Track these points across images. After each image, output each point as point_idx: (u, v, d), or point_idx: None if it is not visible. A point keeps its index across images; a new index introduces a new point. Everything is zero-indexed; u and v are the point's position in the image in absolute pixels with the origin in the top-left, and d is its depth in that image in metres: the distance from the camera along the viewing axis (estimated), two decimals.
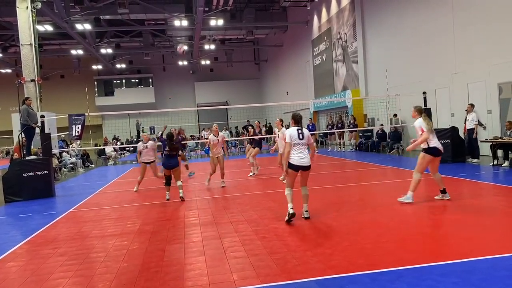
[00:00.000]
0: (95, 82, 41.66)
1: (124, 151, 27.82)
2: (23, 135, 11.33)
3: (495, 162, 11.26)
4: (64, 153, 19.18)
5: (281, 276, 4.17)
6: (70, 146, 21.41)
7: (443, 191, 7.22)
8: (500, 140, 11.22)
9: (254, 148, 12.87)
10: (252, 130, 13.83)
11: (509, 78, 12.00)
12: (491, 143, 11.55)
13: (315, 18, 26.89)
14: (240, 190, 10.19)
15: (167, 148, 9.13)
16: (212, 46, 34.08)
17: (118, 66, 38.67)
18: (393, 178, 10.63)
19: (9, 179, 10.65)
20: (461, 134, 12.68)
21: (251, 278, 4.18)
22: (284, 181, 6.52)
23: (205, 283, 4.15)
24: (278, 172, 11.67)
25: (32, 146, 11.94)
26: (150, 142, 11.00)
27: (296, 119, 6.37)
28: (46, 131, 11.70)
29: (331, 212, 6.89)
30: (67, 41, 31.59)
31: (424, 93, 13.28)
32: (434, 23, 15.15)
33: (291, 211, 6.08)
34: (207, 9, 24.00)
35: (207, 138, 13.55)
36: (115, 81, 42.62)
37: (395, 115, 17.37)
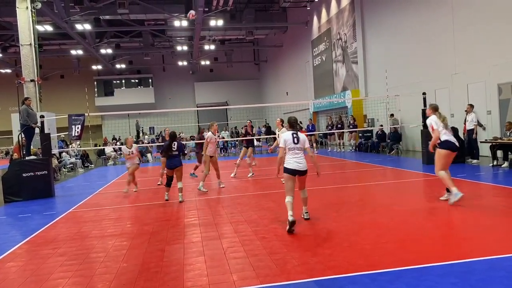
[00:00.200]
0: (95, 82, 41.67)
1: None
2: (23, 135, 11.32)
3: (495, 162, 11.26)
4: (64, 153, 19.19)
5: (280, 277, 4.18)
6: (70, 146, 21.41)
7: (449, 191, 7.13)
8: (499, 140, 11.23)
9: (247, 148, 12.92)
10: (245, 128, 13.83)
11: (509, 78, 12.01)
12: (490, 143, 11.56)
13: (315, 18, 26.90)
14: (240, 190, 10.19)
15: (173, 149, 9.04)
16: (212, 47, 34.09)
17: (118, 66, 38.69)
18: (392, 179, 10.64)
19: (8, 179, 10.64)
20: (461, 134, 12.68)
21: (251, 279, 4.18)
22: (284, 181, 6.45)
23: (205, 283, 4.15)
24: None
25: (31, 146, 11.93)
26: (134, 146, 10.83)
27: (291, 123, 6.26)
28: (46, 131, 11.70)
29: (331, 212, 6.89)
30: (67, 41, 31.61)
31: (424, 93, 13.29)
32: (434, 24, 15.16)
33: (291, 219, 5.75)
34: (207, 9, 24.01)
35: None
36: (115, 81, 42.62)
37: (392, 115, 17.40)
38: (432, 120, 7.06)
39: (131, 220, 7.41)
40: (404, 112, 16.45)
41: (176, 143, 9.00)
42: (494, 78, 12.53)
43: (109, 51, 32.42)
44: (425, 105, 13.26)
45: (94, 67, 38.31)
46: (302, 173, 6.06)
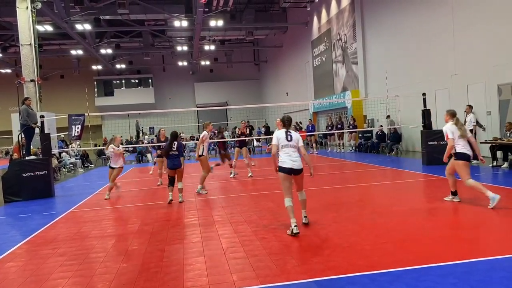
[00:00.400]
0: (95, 82, 41.66)
1: (124, 152, 27.79)
2: (23, 135, 11.32)
3: (495, 163, 11.27)
4: (64, 153, 19.19)
5: (280, 277, 4.18)
6: (70, 146, 21.41)
7: (454, 193, 7.12)
8: (499, 141, 11.23)
9: (240, 148, 12.91)
10: (239, 129, 13.81)
11: (509, 79, 12.01)
12: (490, 144, 11.56)
13: (315, 19, 26.91)
14: (239, 190, 10.20)
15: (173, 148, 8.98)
16: (212, 47, 34.09)
17: (118, 66, 38.69)
18: (392, 179, 10.63)
19: (8, 179, 10.64)
20: None
21: (251, 279, 4.19)
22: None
23: (205, 283, 4.16)
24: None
25: (31, 146, 11.93)
26: (121, 147, 10.40)
27: (284, 122, 6.11)
28: (46, 131, 11.71)
29: (331, 213, 6.89)
30: (67, 41, 31.61)
31: (424, 94, 13.31)
32: (434, 25, 15.16)
33: (295, 230, 5.56)
34: (207, 9, 24.01)
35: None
36: (114, 82, 42.62)
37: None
38: (448, 129, 6.87)
39: (131, 220, 7.41)
40: (404, 113, 16.45)
41: (176, 143, 8.96)
42: (494, 78, 12.53)
43: (109, 51, 32.41)
44: (425, 105, 13.29)
45: (94, 67, 38.31)
46: (297, 172, 5.84)
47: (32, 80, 13.75)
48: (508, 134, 11.15)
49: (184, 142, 19.21)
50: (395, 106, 16.55)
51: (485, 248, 4.70)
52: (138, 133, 33.50)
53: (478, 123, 12.45)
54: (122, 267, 4.84)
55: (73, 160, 18.96)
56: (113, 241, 6.01)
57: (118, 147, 10.21)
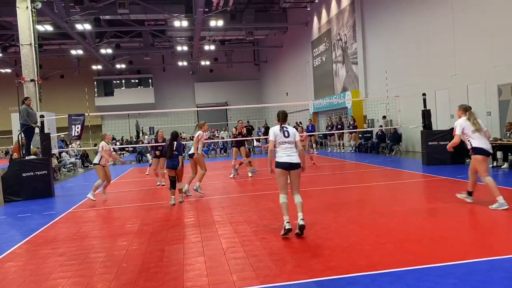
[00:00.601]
0: (95, 82, 41.66)
1: (124, 152, 27.81)
2: (23, 135, 11.32)
3: (495, 163, 11.26)
4: (64, 153, 19.18)
5: (280, 277, 4.17)
6: (70, 146, 21.40)
7: (470, 193, 6.94)
8: (499, 141, 11.22)
9: (237, 148, 12.88)
10: (235, 129, 13.75)
11: (509, 79, 12.01)
12: (490, 144, 11.54)
13: (315, 19, 26.91)
14: (239, 190, 10.19)
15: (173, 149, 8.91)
16: (212, 47, 34.10)
17: (118, 66, 38.70)
18: (392, 180, 10.62)
19: (8, 179, 10.64)
20: None
21: (251, 279, 4.18)
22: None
23: (205, 283, 4.15)
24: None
25: (31, 146, 11.93)
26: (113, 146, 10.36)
27: (279, 117, 6.00)
28: (46, 131, 11.70)
29: (331, 213, 6.89)
30: (67, 41, 31.61)
31: (424, 94, 13.30)
32: (434, 25, 15.16)
33: (287, 226, 5.50)
34: (207, 9, 24.02)
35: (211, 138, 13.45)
36: (114, 81, 42.62)
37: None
38: (460, 124, 6.68)
39: (131, 220, 7.40)
40: (404, 113, 16.45)
41: (176, 142, 8.93)
42: (494, 79, 12.52)
43: (109, 51, 32.42)
44: (425, 105, 13.29)
45: (94, 67, 38.31)
46: (295, 166, 5.74)
47: (32, 80, 13.75)
48: (508, 135, 11.15)
49: (184, 142, 19.19)
50: (395, 106, 16.54)
51: (486, 248, 4.69)
52: (138, 133, 33.49)
53: None
54: (122, 267, 4.83)
55: (73, 160, 18.96)
56: (113, 241, 6.01)
57: (109, 144, 10.11)
